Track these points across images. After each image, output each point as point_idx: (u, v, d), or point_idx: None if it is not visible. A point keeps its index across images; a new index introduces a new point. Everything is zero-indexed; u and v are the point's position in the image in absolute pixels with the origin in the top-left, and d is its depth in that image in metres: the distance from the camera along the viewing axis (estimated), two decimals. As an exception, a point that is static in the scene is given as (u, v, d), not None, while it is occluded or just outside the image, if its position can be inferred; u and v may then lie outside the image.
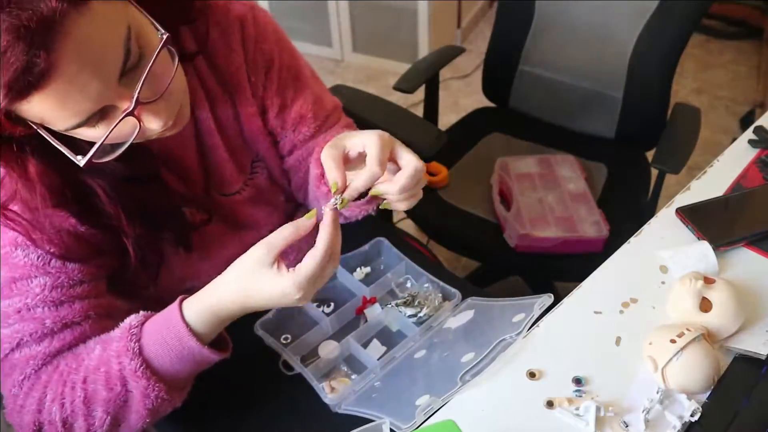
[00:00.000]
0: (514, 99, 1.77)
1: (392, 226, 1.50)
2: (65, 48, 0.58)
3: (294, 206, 1.13)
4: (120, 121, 0.65)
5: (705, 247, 0.94)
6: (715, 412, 0.76)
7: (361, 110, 1.35)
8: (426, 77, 1.62)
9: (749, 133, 1.16)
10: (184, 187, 0.91)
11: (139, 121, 0.67)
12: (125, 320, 0.81)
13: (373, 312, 1.04)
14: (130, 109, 0.64)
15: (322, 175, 0.92)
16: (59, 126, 0.64)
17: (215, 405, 0.98)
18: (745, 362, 0.81)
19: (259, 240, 0.77)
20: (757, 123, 1.19)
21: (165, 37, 0.66)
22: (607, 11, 1.58)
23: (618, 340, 0.86)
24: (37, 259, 0.76)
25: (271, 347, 1.00)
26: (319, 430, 0.94)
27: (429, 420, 0.80)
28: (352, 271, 1.11)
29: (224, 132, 0.93)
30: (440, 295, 1.05)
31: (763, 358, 0.79)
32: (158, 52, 0.65)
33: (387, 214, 1.51)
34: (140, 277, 0.87)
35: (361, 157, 0.75)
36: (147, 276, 0.88)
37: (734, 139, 1.18)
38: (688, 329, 0.80)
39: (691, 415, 0.76)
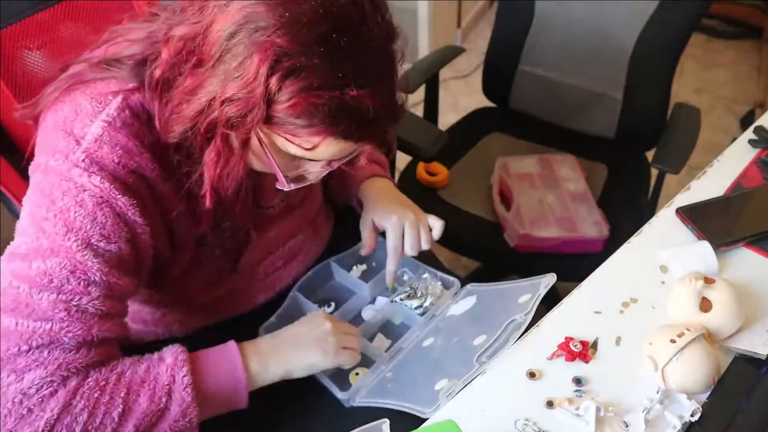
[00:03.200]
0: (514, 99, 1.77)
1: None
2: None
3: (324, 216, 1.17)
4: (340, 162, 0.80)
5: (705, 247, 0.94)
6: (715, 412, 0.76)
7: (361, 110, 1.35)
8: (426, 77, 1.62)
9: (749, 133, 1.16)
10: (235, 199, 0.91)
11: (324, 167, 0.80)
12: (165, 348, 0.82)
13: (377, 307, 1.05)
14: (333, 167, 0.80)
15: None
16: (308, 155, 0.74)
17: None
18: (745, 362, 0.81)
19: (281, 243, 1.03)
20: (757, 123, 1.19)
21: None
22: (607, 11, 1.58)
23: (618, 340, 0.86)
24: (104, 263, 0.75)
25: None
26: (335, 425, 0.93)
27: (429, 420, 0.80)
28: (348, 269, 1.11)
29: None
30: (440, 283, 1.06)
31: (763, 358, 0.79)
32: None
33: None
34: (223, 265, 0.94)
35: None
36: (230, 261, 0.95)
37: (734, 139, 1.18)
38: (688, 329, 0.80)
39: (691, 415, 0.76)
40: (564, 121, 1.74)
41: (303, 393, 0.96)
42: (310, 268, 1.09)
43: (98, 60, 0.79)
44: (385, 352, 0.97)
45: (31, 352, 0.72)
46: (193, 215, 0.86)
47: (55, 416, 0.72)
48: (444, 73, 1.77)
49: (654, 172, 1.44)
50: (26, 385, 0.71)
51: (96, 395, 0.74)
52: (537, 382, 0.82)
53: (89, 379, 0.75)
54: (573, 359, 0.83)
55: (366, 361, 0.97)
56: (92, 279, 0.75)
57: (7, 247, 0.77)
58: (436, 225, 1.05)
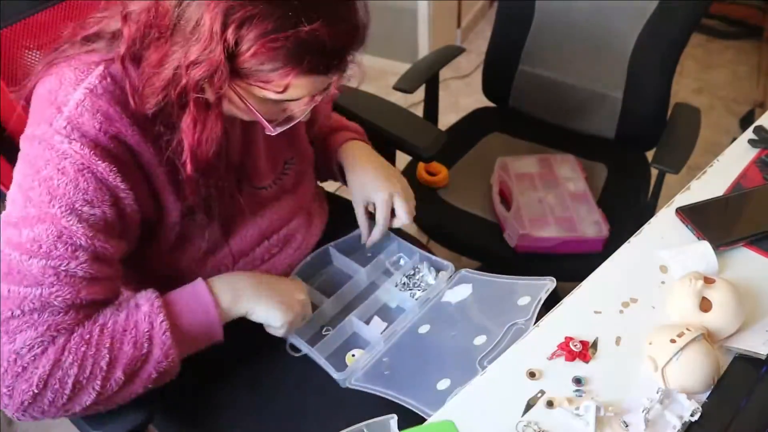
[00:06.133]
0: (514, 99, 1.77)
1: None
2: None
3: (318, 203, 1.20)
4: (308, 110, 0.83)
5: (705, 247, 0.94)
6: (715, 412, 0.76)
7: (361, 110, 1.35)
8: (426, 77, 1.62)
9: (749, 133, 1.16)
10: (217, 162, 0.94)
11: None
12: (141, 293, 0.86)
13: (386, 293, 1.08)
14: (316, 101, 0.82)
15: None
16: (284, 95, 0.76)
17: (226, 392, 1.00)
18: (745, 362, 0.81)
19: (275, 229, 1.06)
20: (757, 123, 1.19)
21: (353, 61, 0.86)
22: (607, 11, 1.58)
23: (618, 340, 0.86)
24: (89, 227, 0.78)
25: None
26: (331, 406, 0.96)
27: (429, 419, 0.80)
28: (347, 254, 1.13)
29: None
30: (433, 269, 1.09)
31: (763, 358, 0.79)
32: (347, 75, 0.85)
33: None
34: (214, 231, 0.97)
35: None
36: (222, 229, 0.97)
37: (734, 139, 1.18)
38: (688, 329, 0.80)
39: (691, 415, 0.76)
40: (564, 121, 1.74)
41: (299, 373, 0.99)
42: (306, 256, 1.12)
43: (82, 36, 0.83)
44: (380, 333, 0.99)
45: (23, 315, 0.76)
46: (177, 184, 0.88)
47: (48, 372, 0.76)
48: (444, 73, 1.77)
49: (654, 172, 1.44)
50: (18, 345, 0.76)
51: (83, 349, 0.78)
52: (537, 382, 0.82)
53: (75, 335, 0.78)
54: (573, 359, 0.83)
55: (362, 344, 1.00)
56: (79, 243, 0.78)
57: (1, 215, 0.80)
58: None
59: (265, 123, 0.81)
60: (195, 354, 0.88)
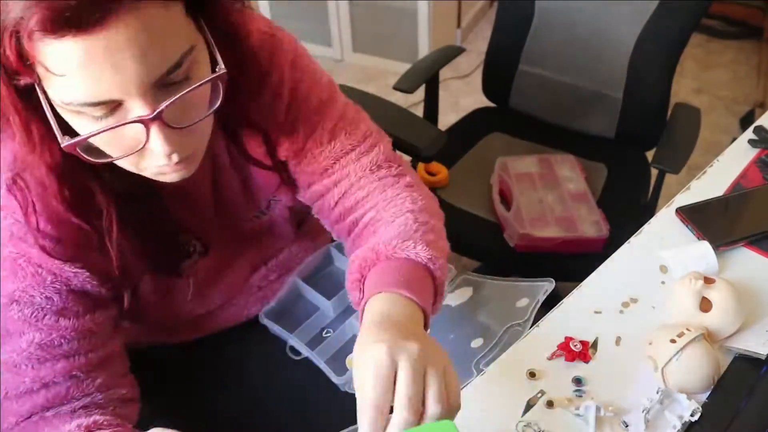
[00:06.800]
0: (514, 99, 1.77)
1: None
2: (131, 10, 0.53)
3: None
4: (128, 123, 0.58)
5: (705, 247, 0.94)
6: (715, 412, 0.76)
7: (361, 110, 1.35)
8: (426, 77, 1.62)
9: (749, 133, 1.16)
10: (191, 216, 0.85)
11: (147, 135, 0.59)
12: None
13: None
14: (149, 116, 0.57)
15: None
16: (65, 95, 0.56)
17: (225, 395, 0.99)
18: (745, 362, 0.81)
19: (271, 255, 0.96)
20: (757, 123, 1.19)
21: (222, 72, 0.62)
22: (607, 11, 1.58)
23: (618, 340, 0.86)
24: (31, 315, 0.71)
25: (277, 335, 1.01)
26: (332, 409, 0.95)
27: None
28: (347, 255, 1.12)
29: (240, 170, 0.87)
30: None
31: (763, 358, 0.79)
32: (208, 80, 0.61)
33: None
34: (122, 293, 0.80)
35: None
36: (126, 286, 0.80)
37: (734, 139, 1.18)
38: (688, 329, 0.80)
39: (691, 415, 0.76)
40: (564, 121, 1.74)
41: (300, 377, 0.98)
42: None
43: None
44: None
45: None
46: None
47: None
48: (444, 73, 1.77)
49: (654, 172, 1.44)
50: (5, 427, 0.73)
51: None
52: (537, 382, 0.82)
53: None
54: (573, 359, 0.83)
55: None
56: (23, 331, 0.72)
57: None
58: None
59: (56, 130, 0.60)
60: (193, 356, 0.87)
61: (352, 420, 0.79)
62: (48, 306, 0.72)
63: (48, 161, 0.64)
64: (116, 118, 0.58)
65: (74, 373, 0.75)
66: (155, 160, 0.63)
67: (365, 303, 0.72)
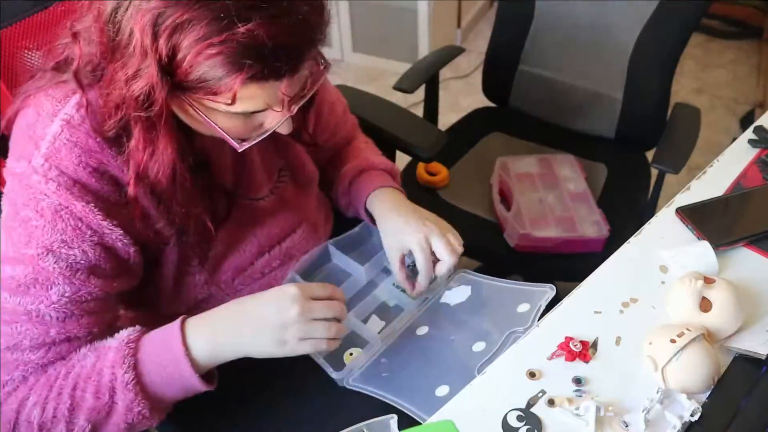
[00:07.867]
0: (514, 99, 1.77)
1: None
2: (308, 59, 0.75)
3: (323, 215, 1.16)
4: (282, 121, 0.76)
5: (705, 247, 0.94)
6: (715, 412, 0.76)
7: (362, 110, 1.35)
8: (426, 77, 1.62)
9: (749, 133, 1.16)
10: (214, 187, 0.91)
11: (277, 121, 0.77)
12: (121, 332, 0.81)
13: (384, 292, 1.07)
14: (292, 112, 0.76)
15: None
16: (237, 107, 0.70)
17: (222, 389, 0.98)
18: (745, 362, 0.81)
19: (275, 242, 1.02)
20: (757, 123, 1.19)
21: (326, 65, 0.81)
22: (607, 11, 1.58)
23: (618, 340, 0.86)
24: (66, 267, 0.76)
25: None
26: (331, 405, 0.96)
27: (429, 419, 0.80)
28: (346, 252, 1.12)
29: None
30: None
31: (763, 358, 0.79)
32: (321, 80, 0.81)
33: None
34: (190, 259, 0.91)
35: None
36: (200, 252, 0.91)
37: (734, 139, 1.18)
38: (688, 329, 0.80)
39: (691, 415, 0.76)
40: (564, 121, 1.73)
41: (297, 372, 0.97)
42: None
43: (52, 63, 0.80)
44: (378, 333, 0.98)
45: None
46: (162, 208, 0.84)
47: (15, 412, 0.76)
48: (444, 73, 1.77)
49: (654, 172, 1.44)
50: None
51: (45, 391, 0.77)
52: (537, 382, 0.82)
53: (44, 376, 0.78)
54: (573, 359, 0.83)
55: (360, 343, 0.99)
56: (55, 283, 0.76)
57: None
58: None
59: (229, 139, 0.76)
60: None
61: (352, 416, 0.80)
62: (83, 261, 0.77)
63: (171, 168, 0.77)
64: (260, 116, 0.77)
65: (94, 330, 0.81)
66: (284, 133, 0.81)
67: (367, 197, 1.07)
